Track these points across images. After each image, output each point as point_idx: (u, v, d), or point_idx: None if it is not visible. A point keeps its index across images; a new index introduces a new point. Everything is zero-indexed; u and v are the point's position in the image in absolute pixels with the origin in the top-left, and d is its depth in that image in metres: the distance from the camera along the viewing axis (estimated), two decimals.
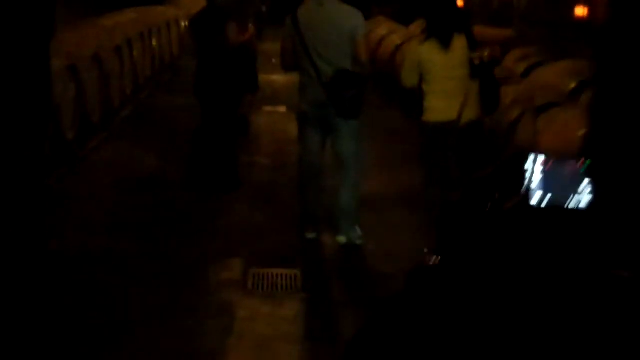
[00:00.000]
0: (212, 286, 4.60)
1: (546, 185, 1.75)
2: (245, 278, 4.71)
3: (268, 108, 9.94)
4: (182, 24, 13.70)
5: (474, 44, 5.12)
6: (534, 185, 1.74)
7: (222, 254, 5.06)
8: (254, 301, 4.42)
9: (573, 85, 6.47)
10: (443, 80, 5.06)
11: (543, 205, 1.72)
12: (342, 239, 5.27)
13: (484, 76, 5.04)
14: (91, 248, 5.03)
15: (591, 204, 1.73)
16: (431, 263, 1.78)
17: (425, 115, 5.19)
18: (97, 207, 5.84)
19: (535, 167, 1.77)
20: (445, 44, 5.05)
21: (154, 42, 11.75)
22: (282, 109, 9.83)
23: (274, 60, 14.07)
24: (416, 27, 10.59)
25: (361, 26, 5.09)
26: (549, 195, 1.74)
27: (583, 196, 1.71)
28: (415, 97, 5.45)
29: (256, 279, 4.70)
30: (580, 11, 8.28)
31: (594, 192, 1.73)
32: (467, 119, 5.07)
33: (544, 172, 1.76)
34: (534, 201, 1.73)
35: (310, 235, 5.35)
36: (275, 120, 9.29)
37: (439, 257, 1.78)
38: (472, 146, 5.15)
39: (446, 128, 5.08)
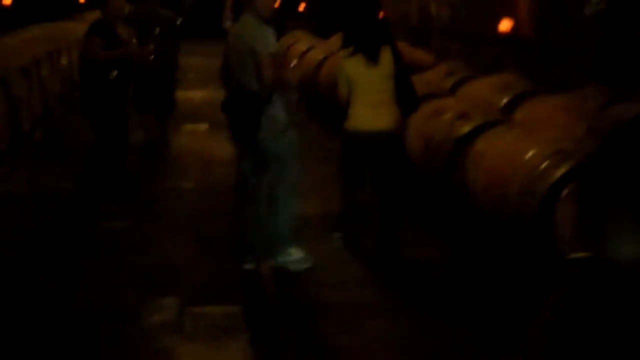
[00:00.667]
0: (146, 332, 4.22)
1: None
2: (182, 320, 4.36)
3: (189, 127, 9.57)
4: None
5: (398, 58, 5.11)
6: None
7: (153, 293, 4.69)
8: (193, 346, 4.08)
9: (505, 100, 6.45)
10: (370, 93, 5.14)
11: None
12: (277, 263, 5.03)
13: (400, 77, 5.08)
14: None
15: None
16: None
17: (347, 122, 5.23)
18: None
19: None
20: (373, 58, 5.11)
21: (64, 61, 11.15)
22: (204, 126, 9.49)
23: (191, 75, 13.86)
24: (336, 40, 10.46)
25: (263, 44, 4.79)
26: None
27: None
28: (340, 112, 5.40)
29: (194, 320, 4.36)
30: (505, 25, 8.32)
31: None
32: (385, 127, 5.09)
33: None
34: None
35: (248, 266, 5.06)
36: (198, 140, 8.93)
37: None
38: (390, 163, 5.16)
39: (366, 139, 5.12)
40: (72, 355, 3.95)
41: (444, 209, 5.91)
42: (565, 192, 4.09)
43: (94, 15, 13.14)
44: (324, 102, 9.29)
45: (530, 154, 4.51)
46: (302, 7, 17.81)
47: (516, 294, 4.24)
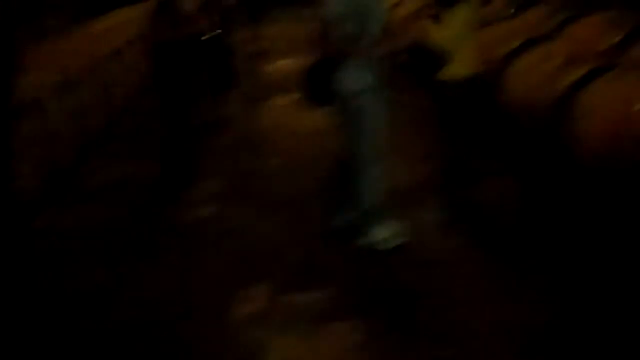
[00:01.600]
0: (234, 324, 4.00)
1: None
2: (273, 308, 4.11)
3: (278, 99, 9.24)
4: None
5: None
6: None
7: (240, 280, 4.46)
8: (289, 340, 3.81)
9: (617, 38, 5.75)
10: None
11: None
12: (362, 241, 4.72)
13: None
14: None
15: None
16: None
17: None
18: (99, 241, 5.26)
19: None
20: None
21: None
22: (294, 97, 9.14)
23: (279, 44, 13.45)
24: None
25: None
26: None
27: None
28: None
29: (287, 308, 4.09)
30: None
31: None
32: None
33: None
34: None
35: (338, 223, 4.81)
36: (287, 112, 8.60)
37: None
38: None
39: None
40: (162, 345, 3.79)
41: (548, 164, 5.35)
42: None
43: None
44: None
45: None
46: None
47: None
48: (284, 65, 11.30)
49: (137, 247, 5.07)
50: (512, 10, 8.58)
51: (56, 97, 6.40)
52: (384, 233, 4.69)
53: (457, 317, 3.86)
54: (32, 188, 5.65)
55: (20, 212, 4.76)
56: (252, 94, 9.16)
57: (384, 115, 4.66)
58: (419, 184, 5.64)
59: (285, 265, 4.66)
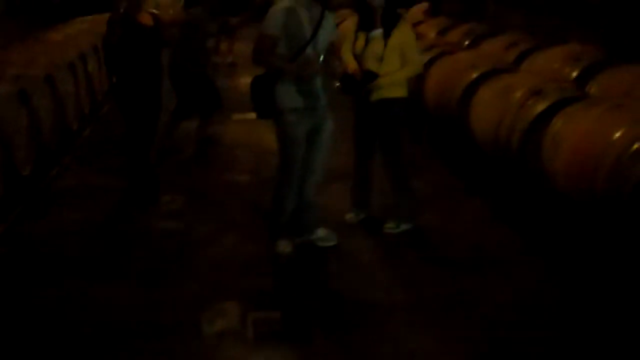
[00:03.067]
0: (206, 342, 3.96)
1: None
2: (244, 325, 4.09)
3: (237, 116, 9.28)
4: None
5: None
6: None
7: (210, 296, 4.44)
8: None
9: (576, 72, 5.98)
10: None
11: None
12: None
13: None
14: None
15: None
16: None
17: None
18: (59, 252, 5.14)
19: None
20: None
21: None
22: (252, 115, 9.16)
23: (236, 62, 13.60)
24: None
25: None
26: None
27: None
28: None
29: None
30: None
31: None
32: None
33: None
34: None
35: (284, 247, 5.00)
36: (248, 129, 8.63)
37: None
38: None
39: None
40: None
41: (514, 191, 5.53)
42: None
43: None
44: None
45: (618, 133, 4.07)
46: None
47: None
48: (244, 81, 11.34)
49: (103, 259, 4.98)
50: (467, 42, 8.86)
51: (12, 106, 6.25)
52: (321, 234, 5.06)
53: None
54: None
55: None
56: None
57: (314, 138, 4.84)
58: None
59: (252, 280, 4.65)
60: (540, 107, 4.99)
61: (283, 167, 4.90)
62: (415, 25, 10.86)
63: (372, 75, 5.00)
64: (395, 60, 5.06)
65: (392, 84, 5.09)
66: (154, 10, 6.30)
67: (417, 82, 7.59)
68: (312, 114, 4.82)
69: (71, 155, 7.50)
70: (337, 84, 5.09)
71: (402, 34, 5.08)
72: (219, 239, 5.33)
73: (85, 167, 7.16)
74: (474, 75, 6.33)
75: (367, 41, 5.07)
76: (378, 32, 5.04)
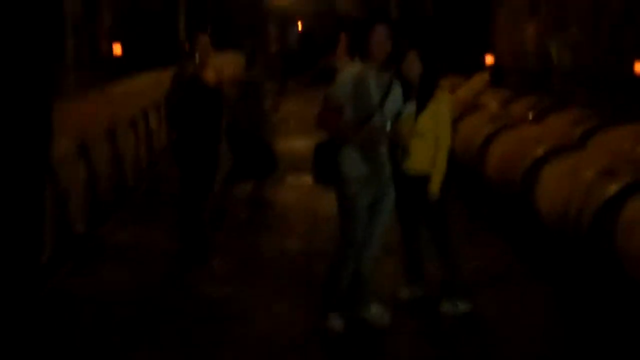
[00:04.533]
0: None
1: None
2: None
3: (291, 179, 9.19)
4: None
5: None
6: None
7: None
8: None
9: None
10: None
11: None
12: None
13: None
14: None
15: None
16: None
17: None
18: (104, 313, 5.03)
19: None
20: None
21: None
22: (307, 178, 9.06)
23: (292, 123, 13.65)
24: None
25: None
26: None
27: None
28: None
29: None
30: None
31: None
32: None
33: None
34: None
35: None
36: (302, 194, 8.51)
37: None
38: None
39: None
40: None
41: (583, 277, 5.22)
42: None
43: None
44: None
45: None
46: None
47: None
48: (299, 143, 11.32)
49: (145, 325, 4.85)
50: (531, 116, 8.67)
51: (71, 161, 6.27)
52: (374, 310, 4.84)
53: None
54: (47, 249, 5.51)
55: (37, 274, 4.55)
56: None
57: (375, 210, 4.67)
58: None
59: (299, 356, 4.43)
60: (613, 188, 4.73)
61: (343, 238, 4.73)
62: (477, 95, 10.74)
63: (403, 154, 4.90)
64: (430, 135, 4.91)
65: (428, 160, 4.94)
66: (219, 71, 6.31)
67: (477, 155, 7.41)
68: (376, 185, 4.67)
69: (126, 212, 7.49)
70: (403, 155, 4.93)
71: (438, 109, 4.93)
72: (268, 309, 5.14)
73: (139, 224, 7.12)
74: (540, 152, 6.12)
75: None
76: (412, 106, 4.84)
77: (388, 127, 4.61)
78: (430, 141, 4.91)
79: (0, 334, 3.50)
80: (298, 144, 11.36)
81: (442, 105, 4.96)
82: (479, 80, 12.40)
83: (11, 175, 3.37)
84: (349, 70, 4.66)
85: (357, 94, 4.54)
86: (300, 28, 24.71)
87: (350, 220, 4.65)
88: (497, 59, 12.39)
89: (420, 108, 4.89)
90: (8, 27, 3.26)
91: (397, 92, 4.69)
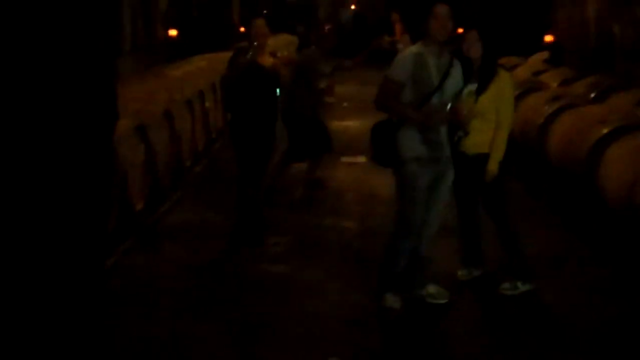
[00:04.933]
0: None
1: None
2: None
3: (345, 159, 9.16)
4: None
5: None
6: None
7: (314, 353, 4.24)
8: None
9: None
10: None
11: None
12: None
13: None
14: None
15: None
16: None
17: None
18: (165, 289, 5.11)
19: None
20: None
21: None
22: (362, 159, 9.04)
23: (345, 104, 13.62)
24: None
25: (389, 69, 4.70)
26: None
27: None
28: None
29: None
30: None
31: None
32: None
33: None
34: None
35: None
36: (356, 174, 8.47)
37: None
38: None
39: None
40: None
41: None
42: None
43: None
44: None
45: None
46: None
47: None
48: (354, 124, 11.30)
49: (207, 301, 4.91)
50: (593, 95, 8.41)
51: (130, 141, 6.36)
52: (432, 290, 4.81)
53: None
54: (111, 226, 5.64)
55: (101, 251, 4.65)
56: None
57: (434, 191, 4.61)
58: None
59: (358, 337, 4.42)
60: None
61: (401, 218, 4.68)
62: (536, 74, 10.48)
63: (460, 136, 4.82)
64: (490, 115, 4.80)
65: (489, 141, 4.83)
66: (274, 53, 6.31)
67: (538, 134, 7.24)
68: (435, 165, 4.60)
69: (183, 191, 7.58)
70: (462, 134, 4.86)
71: (499, 89, 4.82)
72: (324, 288, 5.15)
73: (196, 204, 7.20)
74: (605, 131, 5.93)
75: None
76: (473, 86, 4.77)
77: (448, 108, 4.54)
78: (491, 122, 4.81)
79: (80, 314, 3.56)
80: (353, 124, 11.34)
81: (504, 85, 4.86)
82: (539, 59, 12.11)
83: (80, 162, 3.42)
84: (409, 50, 4.59)
85: (417, 74, 4.47)
86: (353, 8, 24.54)
87: (409, 200, 4.60)
88: (557, 38, 12.05)
89: (482, 88, 4.80)
90: (68, 16, 3.29)
91: (457, 72, 4.61)
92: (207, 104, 9.64)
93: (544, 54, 12.42)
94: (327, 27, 7.56)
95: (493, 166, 4.81)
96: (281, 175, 7.35)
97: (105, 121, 3.53)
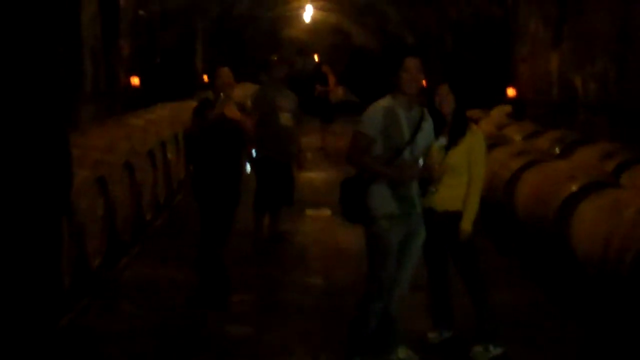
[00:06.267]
0: None
1: None
2: None
3: (310, 212, 9.01)
4: None
5: None
6: None
7: None
8: None
9: None
10: None
11: None
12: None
13: None
14: None
15: None
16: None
17: None
18: (121, 353, 4.82)
19: None
20: None
21: None
22: (326, 212, 8.89)
23: (309, 155, 13.51)
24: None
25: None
26: None
27: None
28: None
29: None
30: None
31: None
32: None
33: None
34: None
35: None
36: (321, 228, 8.32)
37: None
38: None
39: None
40: None
41: (623, 323, 4.97)
42: None
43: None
44: None
45: None
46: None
47: None
48: (320, 176, 11.17)
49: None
50: (558, 150, 8.46)
51: (89, 194, 6.11)
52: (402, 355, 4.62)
53: None
54: (66, 284, 5.39)
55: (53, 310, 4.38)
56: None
57: (406, 247, 4.47)
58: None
59: None
60: None
61: (373, 278, 4.49)
62: (500, 128, 10.55)
63: (433, 192, 4.70)
64: (461, 170, 4.70)
65: (459, 197, 4.73)
66: (242, 105, 6.12)
67: (505, 190, 7.20)
68: (407, 222, 4.46)
69: (143, 245, 7.31)
70: (433, 190, 4.74)
71: (471, 144, 4.73)
72: (291, 351, 4.92)
73: (156, 259, 6.94)
74: (574, 188, 5.89)
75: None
76: (443, 141, 4.66)
77: (420, 163, 4.43)
78: (463, 177, 4.71)
79: None
80: (315, 175, 11.21)
81: (476, 140, 4.78)
82: (501, 113, 12.22)
83: (30, 207, 3.22)
84: (379, 104, 4.48)
85: (388, 128, 4.36)
86: (317, 60, 24.74)
87: (381, 258, 4.44)
88: (518, 92, 12.21)
89: (452, 143, 4.71)
90: (24, 55, 3.11)
91: (428, 126, 4.51)
92: (169, 155, 9.43)
93: (506, 108, 12.56)
94: (274, 57, 7.34)
95: (467, 225, 4.69)
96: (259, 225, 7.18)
97: (57, 170, 3.34)
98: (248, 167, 6.99)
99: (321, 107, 14.68)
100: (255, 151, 6.87)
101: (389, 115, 4.36)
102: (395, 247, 4.43)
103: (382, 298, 4.48)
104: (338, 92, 13.71)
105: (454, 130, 4.70)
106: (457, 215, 4.72)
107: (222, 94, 5.64)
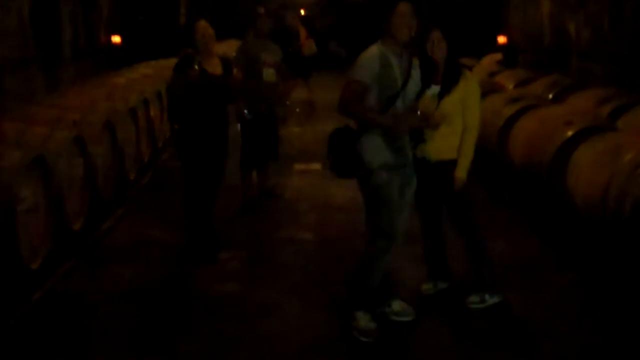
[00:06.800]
0: None
1: None
2: None
3: (299, 166, 8.84)
4: None
5: None
6: None
7: None
8: None
9: None
10: None
11: None
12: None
13: None
14: None
15: None
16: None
17: None
18: (109, 315, 4.67)
19: None
20: None
21: None
22: (316, 166, 8.71)
23: (298, 110, 13.30)
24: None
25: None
26: None
27: None
28: None
29: None
30: None
31: None
32: None
33: None
34: None
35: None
36: (312, 182, 8.14)
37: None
38: None
39: None
40: None
41: (622, 267, 4.84)
42: None
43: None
44: None
45: None
46: None
47: None
48: (308, 130, 11.01)
49: (153, 326, 4.49)
50: (551, 96, 8.25)
51: (67, 154, 5.88)
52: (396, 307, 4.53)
53: None
54: (45, 249, 5.20)
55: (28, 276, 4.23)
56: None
57: (401, 197, 4.29)
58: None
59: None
60: None
61: (378, 231, 4.27)
62: (491, 75, 10.31)
63: (419, 138, 4.49)
64: (455, 119, 4.48)
65: (453, 146, 4.53)
66: (225, 58, 5.85)
67: (499, 137, 7.00)
68: (402, 171, 4.27)
69: (127, 206, 7.11)
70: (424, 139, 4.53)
71: (465, 92, 4.51)
72: (282, 307, 4.77)
73: (141, 220, 6.75)
74: (570, 133, 5.69)
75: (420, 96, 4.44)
76: (436, 89, 4.37)
77: (418, 112, 4.20)
78: (455, 126, 4.50)
79: None
80: (304, 128, 11.02)
81: (471, 88, 4.55)
82: (492, 60, 11.96)
83: None
84: (373, 50, 4.23)
85: (383, 75, 4.12)
86: (302, 14, 24.26)
87: (384, 210, 4.23)
88: (510, 39, 11.93)
89: (445, 91, 4.47)
90: None
91: (417, 74, 4.29)
92: (152, 113, 9.16)
93: (497, 55, 12.29)
94: (260, 11, 7.08)
95: (462, 173, 4.51)
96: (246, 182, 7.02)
97: None
98: (238, 126, 6.79)
99: (295, 62, 14.29)
100: (247, 111, 6.63)
101: (384, 61, 4.13)
102: (397, 196, 4.24)
103: (389, 251, 4.30)
104: (311, 46, 13.31)
105: (447, 78, 4.45)
106: (451, 165, 4.53)
107: (200, 48, 5.40)
